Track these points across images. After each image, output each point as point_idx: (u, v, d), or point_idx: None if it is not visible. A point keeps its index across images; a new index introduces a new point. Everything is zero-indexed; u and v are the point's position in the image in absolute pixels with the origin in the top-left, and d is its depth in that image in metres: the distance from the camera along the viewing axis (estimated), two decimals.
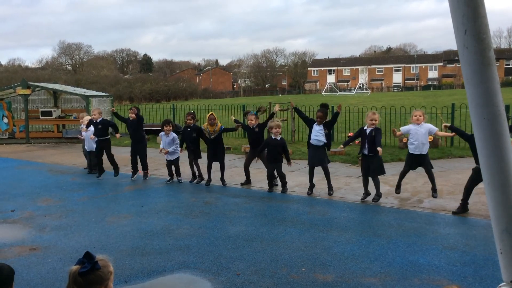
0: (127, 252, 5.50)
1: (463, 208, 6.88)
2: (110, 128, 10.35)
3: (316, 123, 8.21)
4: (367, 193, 7.73)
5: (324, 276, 4.71)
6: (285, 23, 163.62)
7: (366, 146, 7.60)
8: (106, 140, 10.09)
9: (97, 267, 2.11)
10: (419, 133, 7.50)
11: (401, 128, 8.08)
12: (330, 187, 8.23)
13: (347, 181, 9.26)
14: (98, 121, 10.07)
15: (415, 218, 6.75)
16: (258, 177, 9.36)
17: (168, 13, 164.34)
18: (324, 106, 8.60)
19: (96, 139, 10.03)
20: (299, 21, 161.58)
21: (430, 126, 7.68)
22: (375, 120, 7.68)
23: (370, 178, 7.73)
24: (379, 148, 7.41)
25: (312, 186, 8.31)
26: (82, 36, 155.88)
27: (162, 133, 9.79)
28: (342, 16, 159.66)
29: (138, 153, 9.92)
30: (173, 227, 6.47)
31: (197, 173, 9.54)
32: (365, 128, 7.74)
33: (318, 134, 8.09)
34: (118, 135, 10.60)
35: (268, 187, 8.62)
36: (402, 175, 7.82)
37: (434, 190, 7.62)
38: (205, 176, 9.39)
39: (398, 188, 7.81)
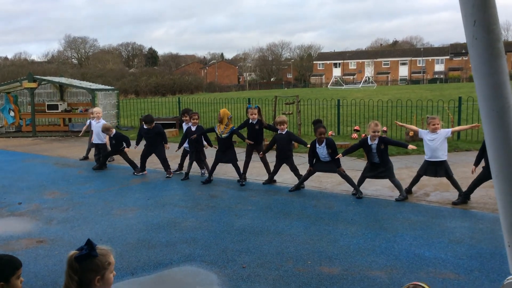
0: (133, 245, 5.54)
1: (464, 199, 6.91)
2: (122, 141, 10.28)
3: (317, 142, 7.82)
4: (358, 190, 7.72)
5: (330, 269, 4.71)
6: (298, 16, 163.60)
7: (376, 158, 7.50)
8: (121, 149, 10.26)
9: (94, 254, 2.07)
10: (435, 141, 7.23)
11: (419, 130, 7.67)
12: (357, 189, 7.77)
13: (353, 174, 9.21)
14: (112, 136, 10.15)
15: (421, 211, 6.73)
16: (263, 171, 9.34)
17: (183, 8, 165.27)
18: (319, 121, 8.25)
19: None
20: (312, 15, 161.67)
21: (445, 131, 7.35)
22: (378, 132, 7.47)
23: (366, 179, 7.82)
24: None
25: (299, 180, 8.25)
26: (99, 30, 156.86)
27: (184, 124, 9.91)
28: (356, 9, 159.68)
29: (155, 153, 9.71)
30: (179, 220, 6.50)
31: (202, 171, 9.56)
32: (369, 143, 7.52)
33: (322, 156, 7.82)
34: (127, 149, 10.21)
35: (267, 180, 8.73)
36: (415, 180, 7.58)
37: (459, 195, 7.18)
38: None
39: (408, 191, 7.56)
